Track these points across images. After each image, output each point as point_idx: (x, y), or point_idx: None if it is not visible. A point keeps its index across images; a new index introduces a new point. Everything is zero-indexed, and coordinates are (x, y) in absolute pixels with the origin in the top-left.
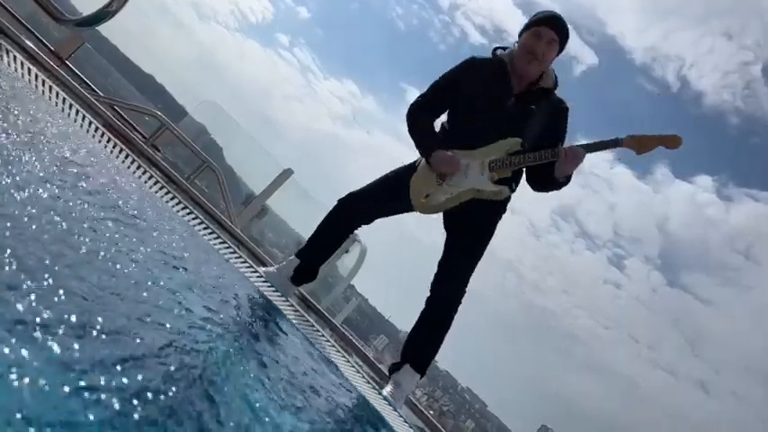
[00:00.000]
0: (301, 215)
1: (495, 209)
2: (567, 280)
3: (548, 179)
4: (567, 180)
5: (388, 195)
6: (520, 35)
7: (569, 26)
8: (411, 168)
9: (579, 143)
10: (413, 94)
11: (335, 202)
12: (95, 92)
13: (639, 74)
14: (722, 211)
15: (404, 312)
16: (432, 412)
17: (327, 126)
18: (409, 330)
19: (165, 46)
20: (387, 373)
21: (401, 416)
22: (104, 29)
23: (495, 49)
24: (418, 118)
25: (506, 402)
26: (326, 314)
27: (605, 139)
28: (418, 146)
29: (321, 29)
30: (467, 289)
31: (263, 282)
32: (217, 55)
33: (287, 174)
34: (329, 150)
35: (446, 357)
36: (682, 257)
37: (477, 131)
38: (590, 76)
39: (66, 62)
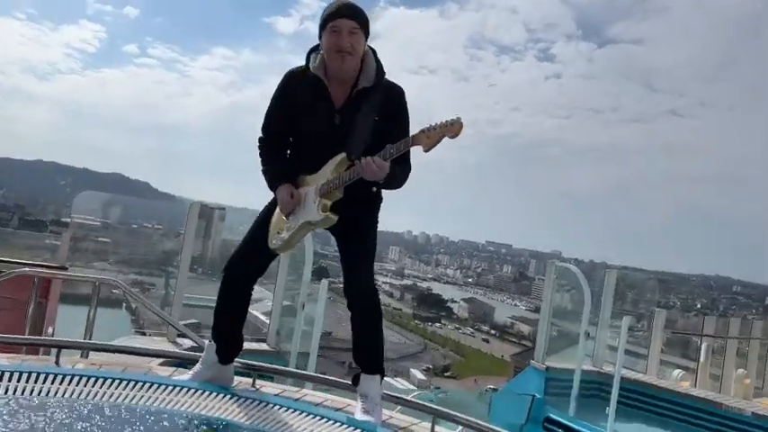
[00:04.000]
0: None
1: (368, 202)
2: (513, 98)
3: (380, 184)
4: (395, 181)
5: (261, 248)
6: (321, 38)
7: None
8: (270, 209)
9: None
10: (283, 24)
11: (224, 269)
12: None
13: None
14: None
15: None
16: None
17: (223, 99)
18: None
19: (28, 123)
20: (353, 385)
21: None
22: None
23: (310, 52)
24: (262, 154)
25: (525, 231)
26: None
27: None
28: (267, 179)
29: (159, 16)
30: (372, 283)
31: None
32: (82, 100)
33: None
34: (238, 118)
35: (459, 232)
36: (596, 16)
37: (312, 153)
38: None
39: None
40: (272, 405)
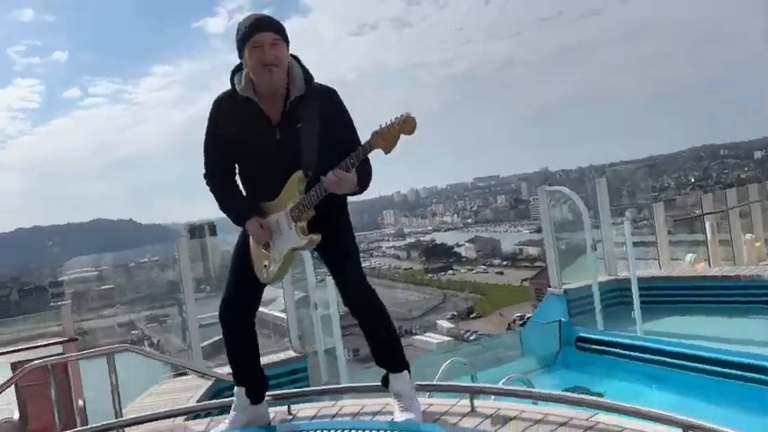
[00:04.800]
0: None
1: (338, 208)
2: (461, 32)
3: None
4: (364, 184)
5: (249, 284)
6: (242, 56)
7: (269, 16)
8: (244, 243)
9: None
10: (212, 25)
11: (220, 316)
12: None
13: None
14: None
15: None
16: None
17: (177, 116)
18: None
19: None
20: (384, 387)
21: None
22: None
23: (233, 74)
24: (213, 192)
25: (508, 158)
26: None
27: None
28: (231, 216)
29: (90, 53)
30: (364, 280)
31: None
32: (41, 157)
33: None
34: (198, 130)
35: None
36: None
37: (263, 177)
38: None
39: None
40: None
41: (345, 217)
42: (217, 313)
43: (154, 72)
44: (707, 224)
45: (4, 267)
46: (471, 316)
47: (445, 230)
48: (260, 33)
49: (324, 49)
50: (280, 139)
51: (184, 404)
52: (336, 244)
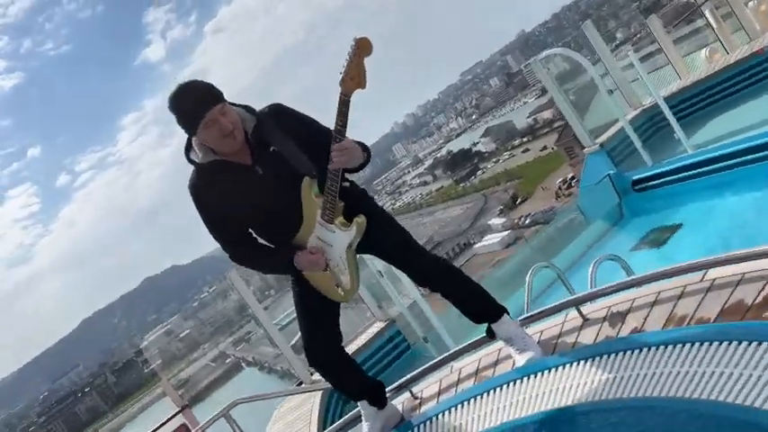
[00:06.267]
0: None
1: (358, 199)
2: None
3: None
4: (361, 158)
5: (324, 318)
6: (191, 135)
7: (197, 82)
8: (301, 283)
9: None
10: (152, 52)
11: (310, 363)
12: None
13: None
14: None
15: None
16: None
17: (167, 150)
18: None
19: (44, 303)
20: (491, 339)
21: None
22: None
23: (187, 151)
24: (245, 257)
25: (481, 41)
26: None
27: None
28: (278, 270)
29: (60, 135)
30: (422, 248)
31: None
32: (68, 249)
33: None
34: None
35: (431, 89)
36: None
37: (278, 217)
38: None
39: None
40: (447, 411)
41: (367, 198)
42: (289, 309)
43: (124, 125)
44: (706, 12)
45: (89, 360)
46: (517, 203)
47: (456, 137)
48: (207, 112)
49: (264, 21)
50: (263, 173)
51: (312, 422)
52: (380, 226)
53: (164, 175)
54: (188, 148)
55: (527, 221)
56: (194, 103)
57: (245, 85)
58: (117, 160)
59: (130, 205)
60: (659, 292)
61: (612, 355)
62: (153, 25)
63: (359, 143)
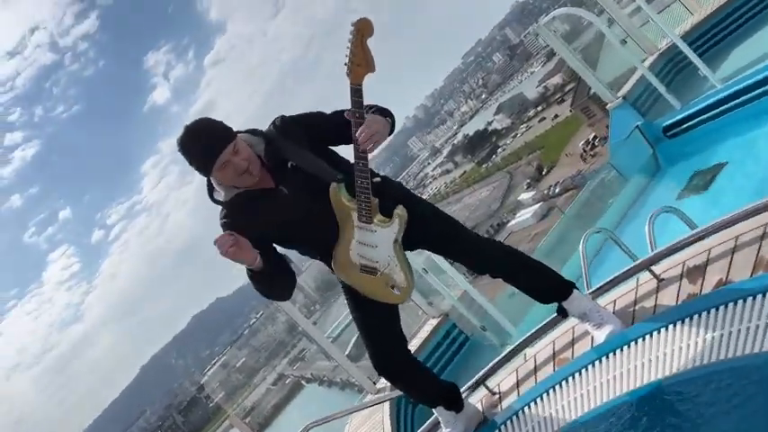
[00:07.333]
0: None
1: (394, 191)
2: None
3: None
4: (388, 125)
5: (381, 322)
6: (209, 178)
7: (204, 123)
8: (352, 294)
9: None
10: (158, 95)
11: (380, 373)
12: None
13: None
14: None
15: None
16: None
17: (191, 188)
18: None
19: (102, 358)
20: (563, 317)
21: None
22: None
23: (210, 193)
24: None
25: (477, 19)
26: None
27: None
28: (257, 285)
29: (85, 193)
30: (472, 233)
31: None
32: (116, 297)
33: None
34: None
35: (435, 77)
36: None
37: (316, 233)
38: None
39: None
40: (531, 403)
41: (404, 190)
42: (338, 319)
43: (145, 170)
44: None
45: (155, 404)
46: (544, 173)
47: (470, 119)
48: (218, 156)
49: (260, 44)
50: (288, 192)
51: None
52: (426, 217)
53: (192, 210)
54: (210, 187)
55: (557, 190)
56: (203, 148)
57: (253, 109)
58: (144, 207)
59: (166, 247)
60: (736, 237)
61: (702, 314)
62: (155, 68)
63: (374, 111)
